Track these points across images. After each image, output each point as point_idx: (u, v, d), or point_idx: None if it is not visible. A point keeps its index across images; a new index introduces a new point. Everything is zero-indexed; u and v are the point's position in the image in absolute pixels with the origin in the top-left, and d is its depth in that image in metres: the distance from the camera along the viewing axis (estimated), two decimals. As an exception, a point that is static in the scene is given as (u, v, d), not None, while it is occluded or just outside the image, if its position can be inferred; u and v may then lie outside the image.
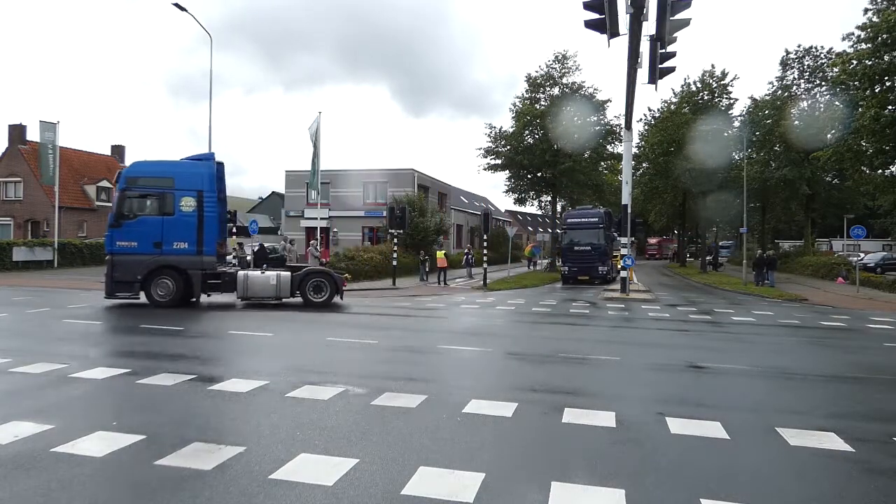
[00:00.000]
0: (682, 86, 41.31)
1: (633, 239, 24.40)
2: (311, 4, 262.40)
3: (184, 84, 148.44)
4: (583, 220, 29.71)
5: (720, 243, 56.22)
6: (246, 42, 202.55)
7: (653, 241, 74.71)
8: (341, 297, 16.17)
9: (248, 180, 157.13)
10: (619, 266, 29.90)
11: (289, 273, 15.38)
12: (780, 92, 39.01)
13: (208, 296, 15.78)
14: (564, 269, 29.00)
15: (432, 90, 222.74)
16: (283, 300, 15.55)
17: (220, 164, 15.99)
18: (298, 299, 15.57)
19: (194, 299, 15.30)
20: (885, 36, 23.22)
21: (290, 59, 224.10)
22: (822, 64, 37.42)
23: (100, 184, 43.79)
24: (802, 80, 38.98)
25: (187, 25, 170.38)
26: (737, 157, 37.06)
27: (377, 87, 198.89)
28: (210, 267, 15.03)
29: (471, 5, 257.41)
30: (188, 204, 14.73)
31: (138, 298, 14.76)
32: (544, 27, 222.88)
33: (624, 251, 21.97)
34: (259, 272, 15.40)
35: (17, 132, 41.24)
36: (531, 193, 43.81)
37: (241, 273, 15.16)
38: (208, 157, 15.61)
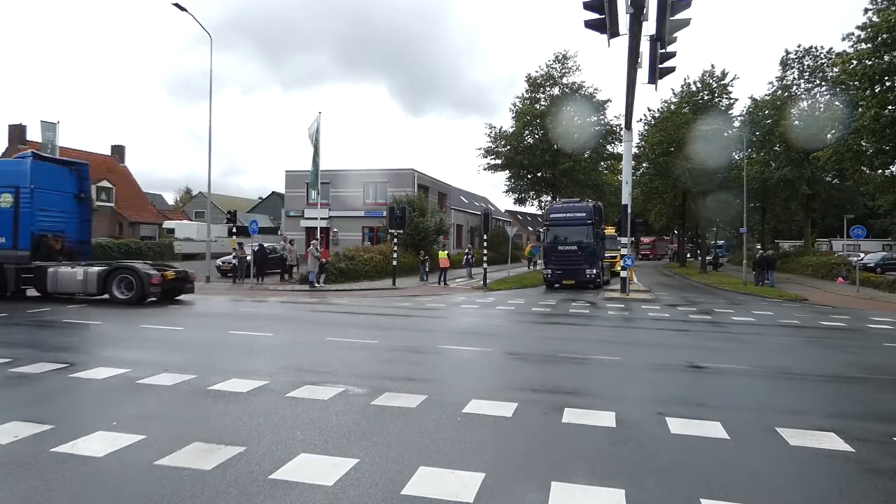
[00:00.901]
0: (682, 86, 41.38)
1: (632, 239, 24.30)
2: (310, 3, 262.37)
3: (181, 83, 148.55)
4: (568, 214, 25.27)
5: (711, 242, 56.01)
6: (244, 41, 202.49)
7: (646, 240, 71.55)
8: (158, 297, 15.24)
9: (248, 180, 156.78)
10: (615, 267, 28.37)
11: (96, 269, 15.14)
12: (780, 92, 39.04)
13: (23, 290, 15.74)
14: (547, 271, 24.85)
15: (431, 89, 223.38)
16: (94, 296, 15.20)
17: (84, 165, 17.06)
18: (127, 295, 14.94)
19: (9, 293, 15.40)
20: (885, 36, 23.24)
21: (288, 59, 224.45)
22: (822, 64, 37.44)
23: (100, 184, 43.77)
24: (802, 80, 39.01)
25: (184, 24, 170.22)
26: (737, 157, 37.08)
27: (376, 87, 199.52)
28: (24, 262, 15.24)
29: (470, 4, 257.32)
30: (5, 200, 15.11)
31: None
32: (544, 27, 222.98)
33: (624, 251, 21.98)
34: (69, 267, 15.32)
35: (17, 132, 41.27)
36: (531, 193, 43.90)
37: (50, 268, 15.20)
38: (25, 156, 15.90)
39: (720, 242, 63.86)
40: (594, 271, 24.06)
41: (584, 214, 24.91)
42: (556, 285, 24.36)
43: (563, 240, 24.50)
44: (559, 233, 24.81)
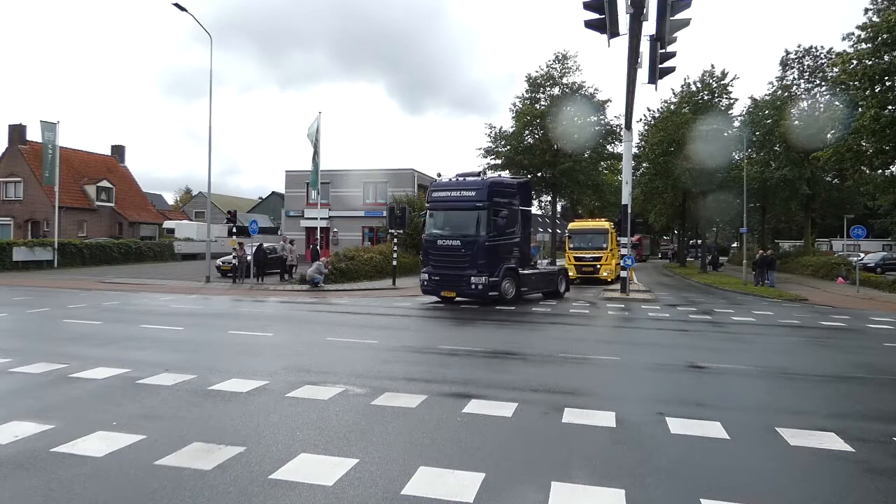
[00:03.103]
0: (682, 86, 41.32)
1: (633, 238, 24.23)
2: (306, 1, 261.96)
3: (177, 82, 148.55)
4: (452, 193, 17.32)
5: (697, 241, 55.36)
6: (240, 39, 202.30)
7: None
8: None
9: (246, 180, 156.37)
10: (602, 271, 26.51)
11: None
12: (780, 92, 39.03)
13: None
14: (424, 275, 17.24)
15: (429, 88, 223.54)
16: None
17: None
18: None
19: None
20: (885, 36, 23.22)
21: (285, 57, 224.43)
22: (822, 64, 37.45)
23: (100, 184, 43.83)
24: (802, 80, 39.02)
25: (180, 22, 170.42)
26: (737, 157, 37.06)
27: (374, 86, 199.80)
28: None
29: (467, 2, 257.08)
30: None
31: None
32: (543, 26, 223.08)
33: (624, 251, 21.97)
34: None
35: (17, 132, 41.25)
36: (531, 193, 43.81)
37: None
38: None
39: (711, 244, 62.66)
40: (484, 280, 15.99)
41: (473, 194, 16.72)
42: (436, 296, 17.28)
43: (444, 230, 17.26)
44: (439, 220, 17.47)
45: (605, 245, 27.10)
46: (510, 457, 4.59)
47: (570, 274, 24.79)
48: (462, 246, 16.55)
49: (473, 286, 16.19)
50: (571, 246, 28.07)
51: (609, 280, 26.18)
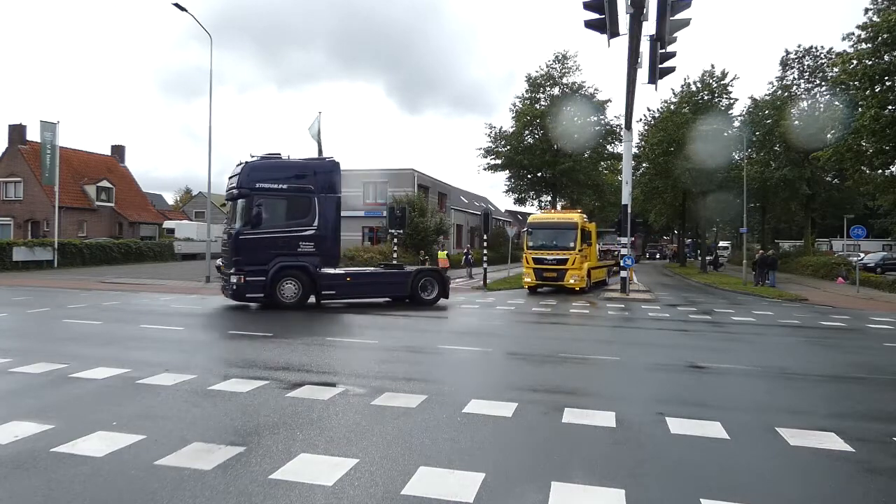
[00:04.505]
0: (681, 86, 41.37)
1: (632, 238, 24.01)
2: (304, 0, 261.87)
3: (175, 80, 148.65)
4: (230, 180, 15.33)
5: (691, 241, 54.64)
6: (238, 39, 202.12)
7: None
8: None
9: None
10: (601, 272, 24.29)
11: None
12: (780, 92, 39.05)
13: None
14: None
15: (428, 88, 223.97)
16: None
17: None
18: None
19: None
20: (885, 36, 23.23)
21: (283, 56, 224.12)
22: (822, 64, 37.45)
23: (100, 184, 43.83)
24: (802, 80, 39.03)
25: (177, 21, 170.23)
26: (737, 157, 37.09)
27: (372, 85, 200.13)
28: None
29: (467, 1, 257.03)
30: None
31: None
32: (543, 26, 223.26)
33: (624, 251, 21.97)
34: None
35: (17, 132, 41.25)
36: (531, 193, 43.89)
37: None
38: None
39: (691, 241, 61.15)
40: (238, 279, 14.09)
41: (234, 180, 14.88)
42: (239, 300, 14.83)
43: (226, 224, 16.06)
44: (229, 211, 15.98)
45: (571, 244, 20.97)
46: (510, 457, 4.59)
47: (528, 280, 21.44)
48: (227, 241, 15.11)
49: (232, 286, 14.26)
50: (531, 244, 21.83)
51: (577, 289, 20.72)
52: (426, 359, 8.94)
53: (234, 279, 14.17)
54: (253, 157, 14.91)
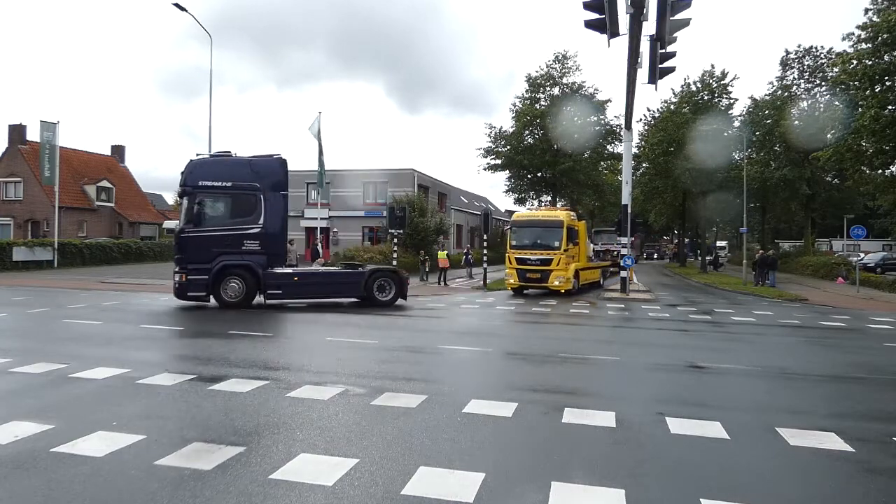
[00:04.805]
0: (681, 86, 41.39)
1: (632, 238, 23.95)
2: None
3: (174, 80, 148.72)
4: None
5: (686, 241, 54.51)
6: (238, 38, 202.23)
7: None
8: None
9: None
10: (591, 273, 22.48)
11: None
12: (780, 92, 39.07)
13: None
14: None
15: (428, 87, 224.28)
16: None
17: None
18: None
19: None
20: (885, 36, 23.24)
21: (283, 56, 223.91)
22: (822, 64, 37.46)
23: (100, 184, 43.82)
24: (802, 80, 39.04)
25: (175, 20, 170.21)
26: (737, 157, 37.11)
27: (372, 85, 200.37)
28: None
29: (467, 1, 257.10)
30: None
31: None
32: (543, 26, 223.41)
33: (624, 251, 21.97)
34: None
35: (17, 132, 41.25)
36: (531, 193, 43.89)
37: None
38: None
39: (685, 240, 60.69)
40: (180, 278, 14.25)
41: (181, 178, 14.86)
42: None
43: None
44: None
45: (556, 244, 19.81)
46: (510, 457, 4.59)
47: (511, 281, 20.52)
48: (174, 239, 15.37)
49: (175, 284, 14.34)
50: (514, 244, 20.81)
51: (563, 291, 19.78)
52: (426, 359, 8.94)
53: (176, 277, 14.21)
54: (198, 155, 15.01)
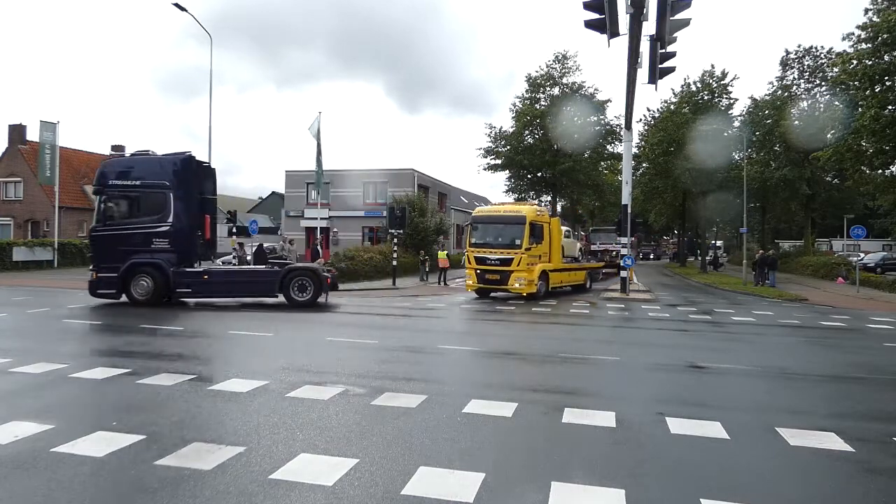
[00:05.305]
0: (681, 86, 41.40)
1: (632, 238, 23.92)
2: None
3: (173, 80, 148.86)
4: None
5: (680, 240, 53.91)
6: (237, 38, 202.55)
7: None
8: None
9: (245, 179, 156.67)
10: (568, 276, 20.69)
11: None
12: (780, 92, 39.07)
13: None
14: None
15: (428, 87, 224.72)
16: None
17: None
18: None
19: None
20: (885, 36, 23.25)
21: (282, 56, 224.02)
22: (822, 64, 37.46)
23: (100, 184, 43.74)
24: (802, 80, 39.05)
25: (173, 20, 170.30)
26: (737, 157, 37.11)
27: (372, 85, 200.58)
28: None
29: (466, 1, 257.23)
30: None
31: None
32: (543, 26, 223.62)
33: (624, 251, 21.97)
34: None
35: (17, 132, 41.21)
36: (531, 193, 43.84)
37: None
38: None
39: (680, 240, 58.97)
40: (92, 275, 14.73)
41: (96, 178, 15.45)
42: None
43: None
44: None
45: (517, 242, 17.97)
46: (510, 457, 4.59)
47: (470, 283, 18.87)
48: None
49: (88, 282, 14.76)
50: (473, 241, 18.91)
51: (525, 294, 18.10)
52: (426, 359, 8.94)
53: (90, 275, 14.50)
54: (112, 154, 15.76)
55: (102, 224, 14.73)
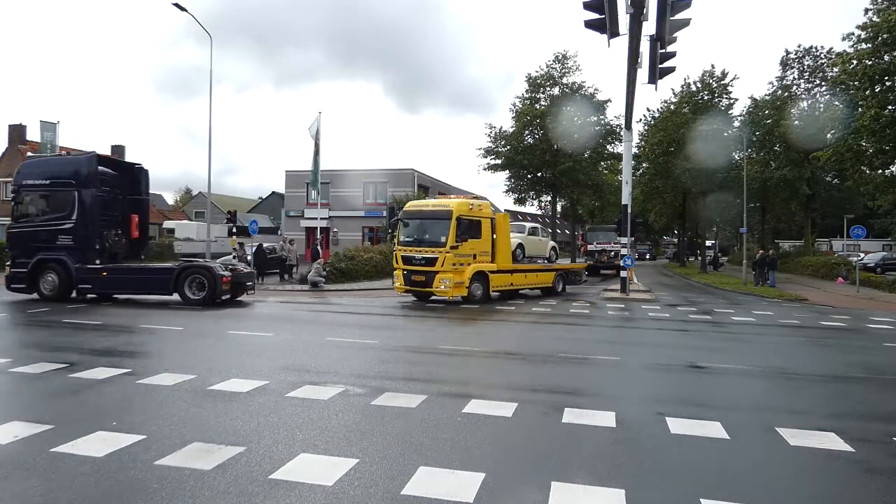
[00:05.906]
0: (681, 86, 41.41)
1: (632, 238, 23.89)
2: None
3: (172, 80, 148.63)
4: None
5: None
6: (236, 37, 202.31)
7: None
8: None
9: (242, 179, 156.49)
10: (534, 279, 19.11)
11: None
12: (780, 92, 39.10)
13: None
14: None
15: (427, 87, 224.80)
16: None
17: None
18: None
19: None
20: (885, 36, 23.26)
21: (281, 55, 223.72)
22: (822, 64, 37.50)
23: (100, 184, 43.73)
24: (802, 80, 39.09)
25: (174, 19, 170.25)
26: (737, 157, 37.11)
27: (371, 84, 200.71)
28: None
29: (466, 0, 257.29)
30: None
31: None
32: (542, 25, 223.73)
33: (624, 251, 21.97)
34: None
35: (17, 132, 41.26)
36: (531, 193, 43.85)
37: None
38: None
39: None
40: (8, 271, 15.68)
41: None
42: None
43: None
44: None
45: (443, 239, 16.12)
46: (510, 457, 4.59)
47: (397, 284, 17.23)
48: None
49: (6, 278, 15.73)
50: (402, 238, 17.19)
51: (451, 298, 16.51)
52: (426, 359, 8.94)
53: (6, 271, 15.39)
54: (31, 155, 16.60)
55: (16, 221, 15.72)
